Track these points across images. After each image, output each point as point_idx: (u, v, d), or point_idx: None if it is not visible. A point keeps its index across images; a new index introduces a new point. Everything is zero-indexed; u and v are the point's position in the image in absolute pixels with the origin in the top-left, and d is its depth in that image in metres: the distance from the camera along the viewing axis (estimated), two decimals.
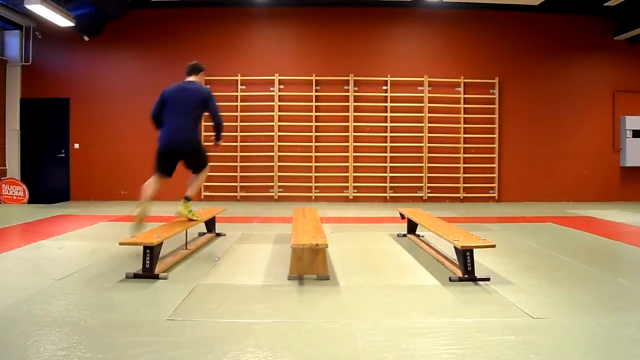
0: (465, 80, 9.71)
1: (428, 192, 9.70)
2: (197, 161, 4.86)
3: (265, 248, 5.05)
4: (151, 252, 3.75)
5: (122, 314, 3.01)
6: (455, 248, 3.82)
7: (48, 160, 9.85)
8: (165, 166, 4.72)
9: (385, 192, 9.71)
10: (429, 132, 9.63)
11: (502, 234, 5.93)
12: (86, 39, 9.29)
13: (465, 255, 3.72)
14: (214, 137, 4.94)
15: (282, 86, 9.69)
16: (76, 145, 9.76)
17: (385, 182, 9.69)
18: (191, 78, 4.98)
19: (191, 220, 4.81)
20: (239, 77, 9.64)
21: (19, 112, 9.74)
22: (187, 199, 4.85)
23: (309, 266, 3.78)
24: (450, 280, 3.75)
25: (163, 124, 4.69)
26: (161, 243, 3.90)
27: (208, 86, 4.58)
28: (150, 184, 4.65)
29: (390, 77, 9.66)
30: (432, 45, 9.95)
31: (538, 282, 3.76)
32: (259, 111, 9.67)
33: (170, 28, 9.73)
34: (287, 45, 9.91)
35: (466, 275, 3.73)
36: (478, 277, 3.74)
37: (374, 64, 9.76)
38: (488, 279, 3.73)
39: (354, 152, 9.68)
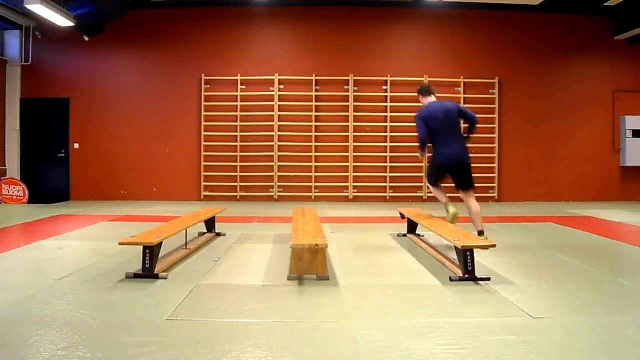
0: (465, 80, 9.71)
1: (428, 192, 9.69)
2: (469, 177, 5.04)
3: (265, 248, 5.05)
4: (151, 252, 3.75)
5: (122, 314, 3.01)
6: (456, 248, 3.82)
7: (48, 160, 9.85)
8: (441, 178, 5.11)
9: (385, 192, 9.71)
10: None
11: (502, 234, 5.92)
12: (86, 39, 9.29)
13: (465, 255, 3.72)
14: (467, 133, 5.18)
15: (282, 86, 9.69)
16: (76, 145, 9.76)
17: (385, 182, 9.69)
18: (434, 98, 5.19)
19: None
20: (239, 77, 9.64)
21: (19, 112, 9.75)
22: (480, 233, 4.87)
23: (309, 266, 3.78)
24: (450, 280, 3.75)
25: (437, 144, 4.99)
26: (161, 243, 3.90)
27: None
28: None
29: (390, 77, 9.66)
30: (432, 45, 9.95)
31: (538, 282, 3.76)
32: (259, 111, 9.67)
33: (170, 28, 9.73)
34: (287, 45, 9.91)
35: (467, 275, 3.73)
36: (478, 277, 3.74)
37: (374, 64, 9.76)
38: (489, 279, 3.73)
39: (354, 152, 9.68)
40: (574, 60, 10.02)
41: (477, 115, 5.17)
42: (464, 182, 4.98)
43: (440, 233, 4.21)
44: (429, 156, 5.19)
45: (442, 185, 5.15)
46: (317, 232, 4.13)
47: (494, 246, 3.76)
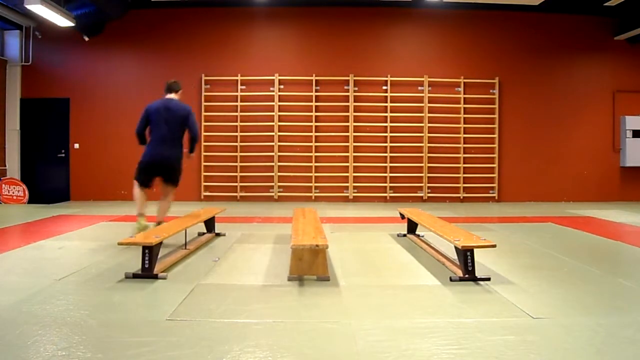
0: (465, 80, 9.71)
1: (428, 192, 9.70)
2: (174, 176, 5.31)
3: (265, 248, 5.05)
4: (150, 252, 3.75)
5: (122, 314, 3.01)
6: (456, 248, 3.82)
7: (48, 160, 9.85)
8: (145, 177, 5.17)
9: (385, 192, 9.71)
10: (429, 132, 9.63)
11: (502, 234, 5.92)
12: (86, 39, 9.29)
13: (465, 255, 3.72)
14: (188, 150, 5.34)
15: (282, 86, 9.69)
16: (76, 145, 9.76)
17: (385, 182, 9.69)
18: (171, 95, 5.33)
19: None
20: (239, 77, 9.64)
21: (19, 112, 9.74)
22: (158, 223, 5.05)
23: (309, 267, 3.77)
24: (450, 280, 3.75)
25: (149, 139, 5.15)
26: (160, 243, 3.90)
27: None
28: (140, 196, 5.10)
29: (390, 77, 9.66)
30: (432, 45, 9.95)
31: (538, 282, 3.76)
32: (259, 111, 9.67)
33: (170, 28, 9.73)
34: (287, 45, 9.91)
35: (467, 275, 3.73)
36: (478, 277, 3.74)
37: (374, 64, 9.76)
38: (488, 279, 3.73)
39: (354, 152, 9.68)
40: (574, 60, 10.01)
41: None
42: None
43: (440, 233, 4.21)
44: None
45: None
46: (318, 233, 4.13)
47: (493, 246, 3.76)
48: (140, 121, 5.21)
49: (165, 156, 5.12)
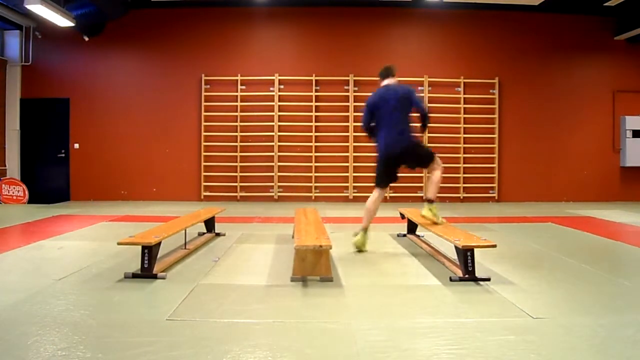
0: (465, 80, 9.71)
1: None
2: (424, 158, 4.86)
3: (265, 248, 5.05)
4: (149, 252, 3.74)
5: (121, 314, 3.01)
6: (456, 248, 3.81)
7: (48, 160, 9.84)
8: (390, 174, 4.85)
9: (385, 192, 9.69)
10: (428, 132, 9.60)
11: (502, 234, 5.92)
12: (86, 39, 9.28)
13: (466, 255, 3.72)
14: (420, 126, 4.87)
15: (282, 86, 9.69)
16: (76, 145, 9.76)
17: None
18: (389, 81, 5.09)
19: (436, 223, 4.62)
20: (239, 77, 9.64)
21: (19, 112, 9.74)
22: (430, 201, 4.72)
23: (312, 268, 3.75)
24: (450, 280, 3.74)
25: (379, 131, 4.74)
26: (159, 243, 3.90)
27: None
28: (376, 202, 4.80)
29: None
30: (432, 45, 9.95)
31: (538, 282, 3.76)
32: (259, 111, 9.67)
33: (170, 28, 9.73)
34: (287, 45, 9.91)
35: (467, 275, 3.73)
36: (478, 277, 3.73)
37: (374, 64, 9.61)
38: (488, 279, 3.72)
39: (354, 152, 9.68)
40: (574, 60, 10.01)
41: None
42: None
43: (441, 233, 4.21)
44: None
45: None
46: (320, 233, 4.13)
47: (494, 246, 3.76)
48: (364, 118, 4.91)
49: (404, 144, 4.69)
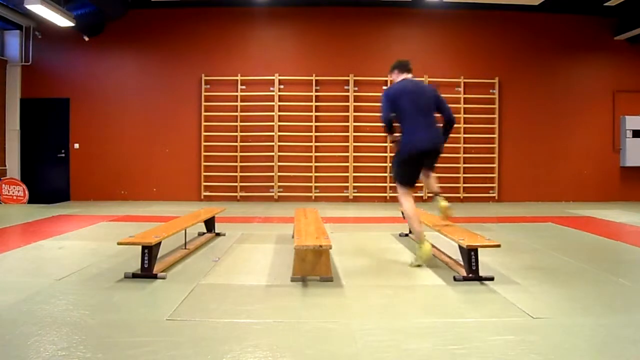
0: (465, 80, 9.71)
1: (428, 192, 9.68)
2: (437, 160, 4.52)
3: (265, 248, 5.05)
4: (149, 252, 3.74)
5: (121, 313, 3.01)
6: (460, 247, 3.81)
7: (48, 160, 9.85)
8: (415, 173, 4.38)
9: (386, 192, 9.70)
10: None
11: (502, 234, 5.92)
12: (86, 39, 9.30)
13: (470, 255, 3.72)
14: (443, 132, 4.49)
15: (282, 86, 9.69)
16: (76, 145, 9.77)
17: (385, 182, 9.68)
18: (409, 75, 4.66)
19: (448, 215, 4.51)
20: (239, 77, 9.64)
21: (19, 112, 9.75)
22: (439, 193, 4.62)
23: (312, 267, 3.75)
24: (454, 279, 3.74)
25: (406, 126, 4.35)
26: (159, 243, 3.90)
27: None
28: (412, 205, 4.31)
29: (391, 77, 9.64)
30: (432, 45, 9.95)
31: (538, 282, 3.76)
32: (259, 111, 9.67)
33: (170, 28, 9.73)
34: (287, 45, 9.91)
35: (470, 275, 3.73)
36: (482, 276, 3.73)
37: (374, 64, 9.75)
38: (492, 279, 3.72)
39: (354, 152, 9.68)
40: (574, 60, 10.01)
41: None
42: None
43: (445, 233, 4.20)
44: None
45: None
46: (320, 233, 4.12)
47: (498, 246, 3.75)
48: (385, 109, 4.49)
49: (437, 142, 4.33)
